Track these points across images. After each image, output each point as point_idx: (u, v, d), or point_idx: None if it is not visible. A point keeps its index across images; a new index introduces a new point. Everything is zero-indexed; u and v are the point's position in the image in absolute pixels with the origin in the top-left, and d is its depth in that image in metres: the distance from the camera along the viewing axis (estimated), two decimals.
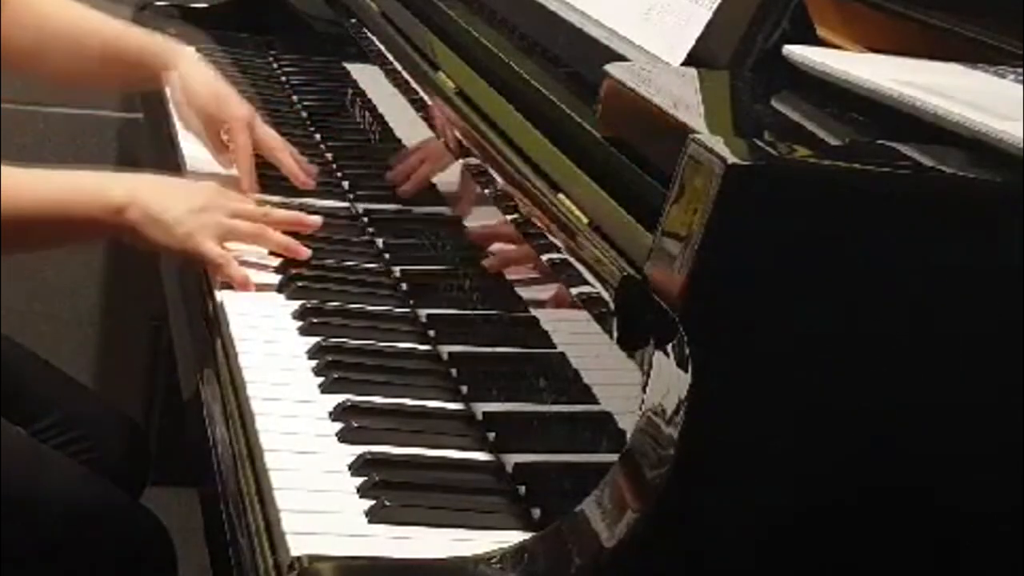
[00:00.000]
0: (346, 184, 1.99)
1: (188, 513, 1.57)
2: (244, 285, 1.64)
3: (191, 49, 2.07)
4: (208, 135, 1.96)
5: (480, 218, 1.57)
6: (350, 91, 2.16)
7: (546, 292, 1.37)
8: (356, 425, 1.36)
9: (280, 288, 1.65)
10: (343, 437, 1.34)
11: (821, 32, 1.38)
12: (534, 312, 1.38)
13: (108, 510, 1.73)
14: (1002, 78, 1.28)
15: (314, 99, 2.33)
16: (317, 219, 1.76)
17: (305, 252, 1.70)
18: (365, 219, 1.88)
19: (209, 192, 1.73)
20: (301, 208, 1.87)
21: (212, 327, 1.58)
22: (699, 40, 1.36)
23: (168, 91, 2.02)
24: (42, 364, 1.99)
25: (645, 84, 1.25)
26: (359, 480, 1.27)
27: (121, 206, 1.64)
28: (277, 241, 1.70)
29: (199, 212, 1.67)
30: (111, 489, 1.77)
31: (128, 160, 2.74)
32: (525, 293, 1.41)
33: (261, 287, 1.65)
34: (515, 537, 1.16)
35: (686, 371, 1.03)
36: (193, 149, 2.05)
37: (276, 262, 1.70)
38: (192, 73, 1.98)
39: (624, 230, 1.17)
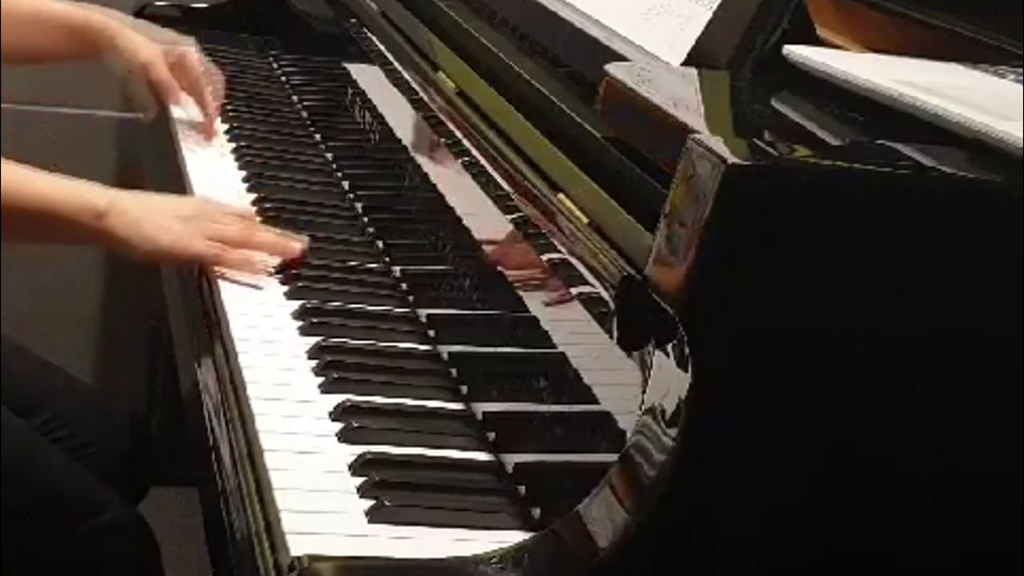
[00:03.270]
0: (346, 184, 1.99)
1: (188, 513, 1.57)
2: (246, 266, 1.65)
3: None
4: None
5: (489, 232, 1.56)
6: (350, 91, 2.16)
7: (547, 292, 1.37)
8: (356, 425, 1.36)
9: (280, 282, 1.66)
10: (343, 437, 1.34)
11: (821, 32, 1.38)
12: (534, 312, 1.38)
13: (93, 505, 1.74)
14: (1002, 78, 1.28)
15: (314, 99, 2.33)
16: (301, 245, 1.71)
17: (295, 249, 1.69)
18: (365, 219, 1.88)
19: (195, 202, 1.77)
20: (301, 206, 1.88)
21: (212, 327, 1.57)
22: (699, 40, 1.36)
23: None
24: (40, 362, 2.00)
25: (645, 84, 1.25)
26: (359, 480, 1.27)
27: (101, 211, 1.66)
28: (263, 241, 1.69)
29: (186, 219, 1.68)
30: (97, 486, 1.77)
31: (128, 160, 2.74)
32: (525, 295, 1.41)
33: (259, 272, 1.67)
34: (515, 537, 1.16)
35: (686, 371, 1.03)
36: (193, 149, 2.06)
37: (275, 261, 1.70)
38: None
39: (624, 230, 1.17)
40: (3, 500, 1.65)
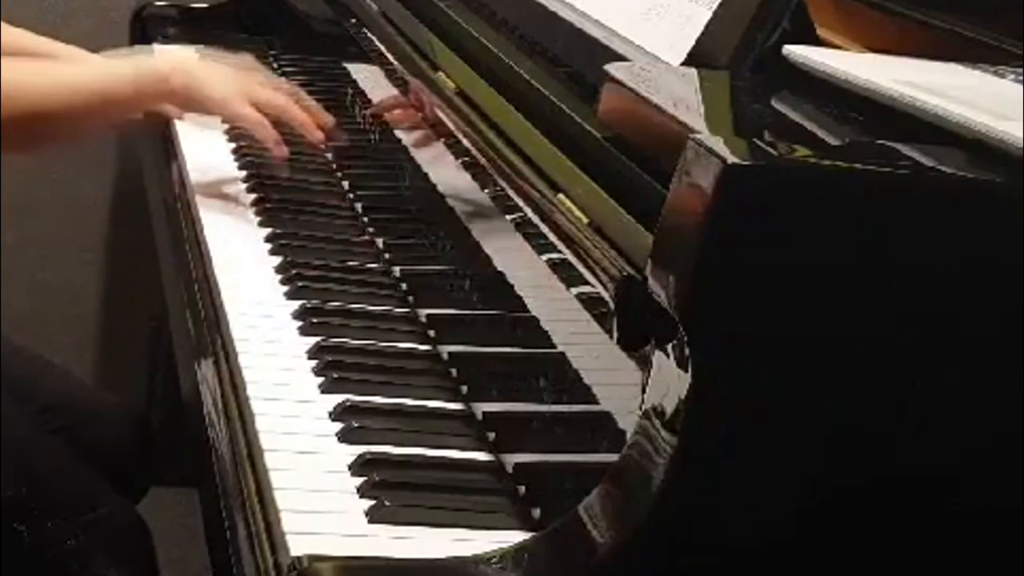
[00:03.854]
0: (346, 184, 1.99)
1: (188, 513, 1.57)
2: (278, 146, 1.86)
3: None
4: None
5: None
6: (350, 91, 2.16)
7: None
8: (356, 425, 1.36)
9: (280, 282, 1.67)
10: (343, 437, 1.34)
11: (821, 32, 1.38)
12: (534, 312, 1.38)
13: (90, 499, 1.74)
14: (1002, 78, 1.28)
15: (314, 99, 2.32)
16: (330, 122, 1.92)
17: (319, 135, 1.89)
18: (365, 219, 1.88)
19: (248, 62, 1.98)
20: (301, 206, 1.88)
21: (212, 327, 1.58)
22: (699, 40, 1.36)
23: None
24: (40, 362, 2.00)
25: (645, 84, 1.25)
26: (359, 480, 1.27)
27: (166, 74, 1.86)
28: (300, 118, 1.88)
29: (238, 75, 1.87)
30: (95, 480, 1.77)
31: (128, 160, 2.74)
32: (525, 294, 1.42)
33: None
34: (515, 537, 1.16)
35: (686, 371, 1.03)
36: (193, 148, 2.06)
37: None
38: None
39: (624, 230, 1.17)
40: (0, 490, 1.65)
